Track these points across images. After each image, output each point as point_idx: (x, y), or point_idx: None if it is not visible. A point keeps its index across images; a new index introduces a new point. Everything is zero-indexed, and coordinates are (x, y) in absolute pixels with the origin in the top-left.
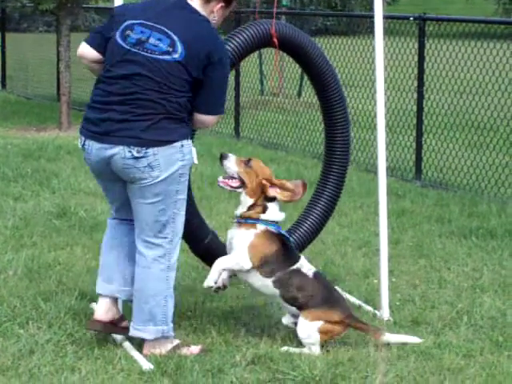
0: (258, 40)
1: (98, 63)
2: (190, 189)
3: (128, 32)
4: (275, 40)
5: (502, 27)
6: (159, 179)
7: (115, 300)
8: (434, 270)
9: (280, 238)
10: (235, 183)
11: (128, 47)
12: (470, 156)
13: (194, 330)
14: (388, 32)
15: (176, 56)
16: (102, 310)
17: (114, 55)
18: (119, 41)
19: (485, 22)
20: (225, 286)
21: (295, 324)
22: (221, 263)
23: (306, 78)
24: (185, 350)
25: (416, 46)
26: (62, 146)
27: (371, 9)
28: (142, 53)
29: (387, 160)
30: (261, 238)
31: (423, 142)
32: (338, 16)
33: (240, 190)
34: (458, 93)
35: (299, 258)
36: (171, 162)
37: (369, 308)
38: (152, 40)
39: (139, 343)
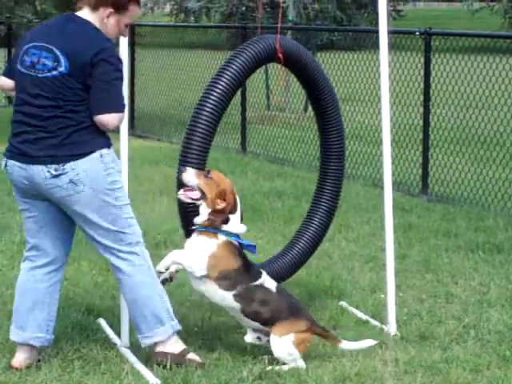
0: (264, 56)
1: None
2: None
3: (24, 57)
4: (280, 55)
5: (508, 41)
6: (87, 193)
7: (32, 346)
8: (440, 285)
9: (241, 252)
10: (195, 195)
11: (25, 71)
12: (476, 170)
13: (201, 345)
14: (394, 47)
15: (61, 69)
16: (21, 358)
17: (17, 82)
18: (18, 67)
19: (491, 36)
20: (171, 279)
21: (259, 339)
22: (176, 255)
23: None
24: (191, 356)
25: (422, 60)
26: None
27: (377, 24)
28: (35, 74)
29: (393, 175)
30: (224, 251)
31: (429, 157)
32: (343, 31)
33: (200, 201)
34: (464, 107)
35: (261, 272)
36: (94, 173)
37: (376, 323)
38: (42, 60)
39: (147, 358)
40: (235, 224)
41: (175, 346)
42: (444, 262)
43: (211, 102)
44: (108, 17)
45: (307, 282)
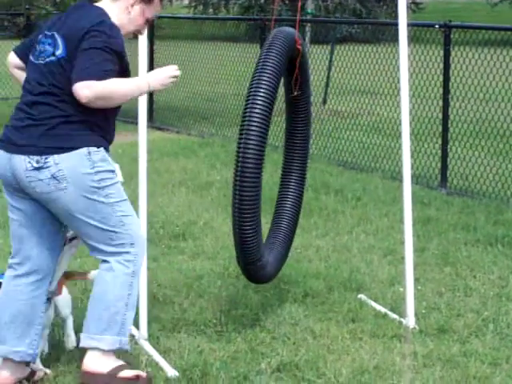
0: (292, 47)
1: (19, 69)
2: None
3: (36, 47)
4: (299, 47)
5: None
6: (71, 191)
7: (18, 362)
8: (459, 278)
9: None
10: None
11: (33, 61)
12: (495, 164)
13: (219, 337)
14: (413, 40)
15: (58, 53)
16: (4, 375)
17: (26, 72)
18: (31, 57)
19: (510, 29)
20: None
21: None
22: None
23: (331, 85)
24: (126, 373)
25: (441, 53)
26: None
27: (396, 16)
28: (38, 62)
29: (412, 168)
30: None
31: (448, 150)
32: (363, 24)
33: None
34: (484, 100)
35: None
36: (78, 171)
37: (395, 316)
38: (46, 47)
39: (165, 350)
40: None
41: (108, 363)
42: (463, 255)
43: (263, 94)
44: (133, 5)
45: (326, 275)
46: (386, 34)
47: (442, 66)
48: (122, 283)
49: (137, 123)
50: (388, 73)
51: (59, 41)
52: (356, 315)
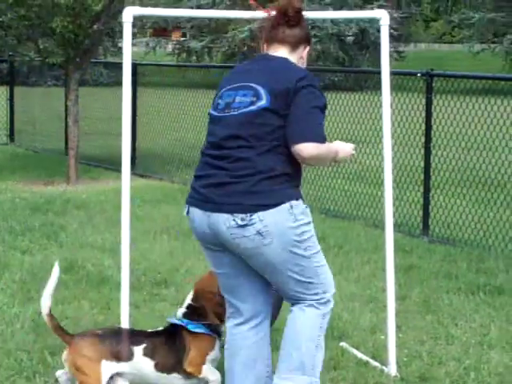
0: None
1: None
2: None
3: (218, 101)
4: None
5: (510, 83)
6: (275, 246)
7: None
8: (441, 326)
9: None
10: None
11: (218, 114)
12: (477, 212)
13: None
14: (395, 88)
15: (261, 103)
16: None
17: (209, 127)
18: (211, 112)
19: (492, 78)
20: None
21: None
22: None
23: None
24: None
25: (423, 101)
26: (69, 199)
27: (378, 64)
28: (229, 114)
29: (394, 215)
30: None
31: (430, 198)
32: (345, 72)
33: None
34: (466, 149)
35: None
36: (282, 226)
37: (376, 364)
38: (237, 98)
39: None
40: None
41: None
42: (444, 303)
43: None
44: (304, 53)
45: None
46: (368, 81)
47: (423, 114)
48: (312, 325)
49: (119, 170)
50: (370, 121)
51: (261, 92)
52: (338, 363)
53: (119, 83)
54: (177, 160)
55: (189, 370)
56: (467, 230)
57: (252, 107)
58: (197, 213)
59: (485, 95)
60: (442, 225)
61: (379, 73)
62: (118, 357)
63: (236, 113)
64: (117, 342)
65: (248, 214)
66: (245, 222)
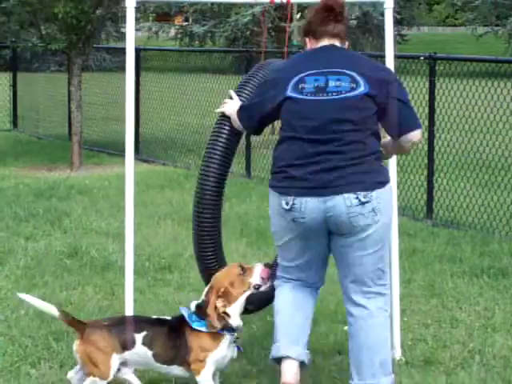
0: None
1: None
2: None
3: (301, 85)
4: None
5: None
6: (379, 224)
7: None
8: (445, 310)
9: None
10: None
11: (310, 98)
12: (481, 195)
13: None
14: (398, 71)
15: (361, 89)
16: (293, 373)
17: (296, 111)
18: (297, 96)
19: (495, 61)
20: None
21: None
22: None
23: None
24: None
25: (426, 84)
26: (73, 185)
27: (382, 48)
28: (328, 97)
29: (398, 199)
30: None
31: (434, 182)
32: None
33: None
34: (469, 132)
35: None
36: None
37: None
38: (332, 83)
39: (151, 382)
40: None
41: None
42: (449, 286)
43: (227, 128)
44: (346, 45)
45: None
46: None
47: (427, 97)
48: (384, 328)
49: (123, 155)
50: None
51: (359, 78)
52: (342, 347)
53: (122, 68)
54: (180, 145)
55: (192, 367)
56: (471, 214)
57: (355, 92)
58: (309, 202)
59: (488, 78)
60: (445, 208)
61: (382, 56)
62: (124, 346)
63: (337, 97)
64: (123, 331)
65: (369, 192)
66: (366, 199)
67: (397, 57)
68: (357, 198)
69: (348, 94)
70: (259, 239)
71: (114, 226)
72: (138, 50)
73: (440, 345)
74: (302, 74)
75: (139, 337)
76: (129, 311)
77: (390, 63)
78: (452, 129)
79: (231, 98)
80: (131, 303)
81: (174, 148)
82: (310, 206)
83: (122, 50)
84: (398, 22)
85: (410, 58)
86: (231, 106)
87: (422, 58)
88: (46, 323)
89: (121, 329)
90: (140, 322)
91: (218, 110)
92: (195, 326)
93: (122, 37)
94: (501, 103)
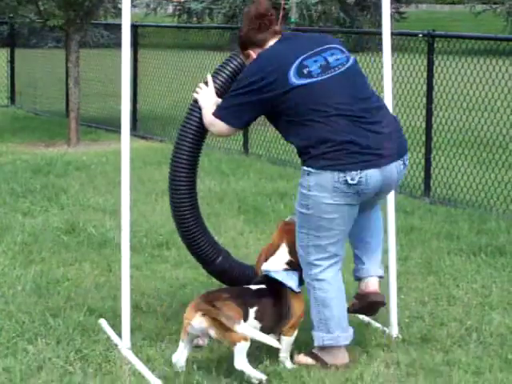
0: None
1: None
2: (198, 207)
3: (305, 70)
4: None
5: (511, 44)
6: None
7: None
8: (442, 287)
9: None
10: None
11: (322, 77)
12: (478, 173)
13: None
14: (397, 49)
15: (351, 57)
16: (347, 357)
17: (316, 94)
18: (308, 80)
19: (494, 38)
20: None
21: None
22: None
23: None
24: None
25: (425, 62)
26: (70, 161)
27: (380, 25)
28: (336, 72)
29: None
30: None
31: (432, 159)
32: (346, 33)
33: None
34: (467, 110)
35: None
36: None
37: (378, 325)
38: (330, 59)
39: (148, 359)
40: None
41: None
42: (446, 264)
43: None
44: None
45: None
46: (369, 42)
47: (425, 75)
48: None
49: (120, 132)
50: (372, 81)
51: (341, 47)
52: None
53: (120, 45)
54: (178, 122)
55: (288, 332)
56: (469, 191)
57: (350, 60)
58: (373, 174)
59: (486, 56)
60: (443, 186)
61: (380, 34)
62: (244, 319)
63: (344, 69)
64: (241, 304)
65: (407, 154)
66: (407, 162)
67: (395, 34)
68: (403, 162)
69: (349, 64)
70: (257, 216)
71: (111, 203)
72: (135, 27)
73: (437, 322)
74: (298, 60)
75: (252, 311)
76: (125, 288)
77: (386, 40)
78: (450, 106)
79: (207, 83)
80: (128, 280)
81: (172, 125)
82: (374, 177)
83: (120, 27)
84: (396, 0)
85: (408, 36)
86: (206, 97)
87: (420, 35)
88: (43, 299)
89: (239, 302)
90: (249, 295)
91: (194, 96)
92: (299, 289)
93: (119, 13)
94: (499, 81)
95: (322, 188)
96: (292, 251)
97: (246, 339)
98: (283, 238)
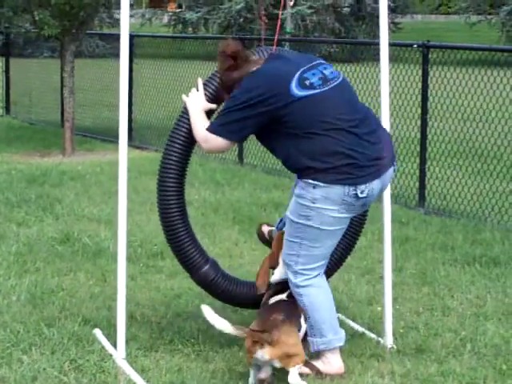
0: None
1: None
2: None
3: (307, 82)
4: None
5: (506, 55)
6: None
7: None
8: (437, 298)
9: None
10: None
11: (324, 89)
12: (473, 183)
13: (197, 356)
14: (392, 59)
15: (340, 77)
16: (342, 361)
17: (320, 106)
18: (311, 92)
19: (488, 49)
20: None
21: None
22: None
23: None
24: None
25: (419, 73)
26: (65, 171)
27: (375, 36)
28: (334, 84)
29: (391, 187)
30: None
31: (427, 170)
32: (341, 43)
33: None
34: (462, 120)
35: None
36: None
37: (372, 335)
38: (326, 72)
39: (142, 369)
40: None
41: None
42: (441, 274)
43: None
44: None
45: None
46: (364, 53)
47: (420, 85)
48: None
49: (115, 142)
50: (367, 92)
51: (329, 66)
52: None
53: (115, 55)
54: None
55: None
56: (463, 202)
57: (342, 74)
58: (376, 184)
59: (481, 66)
60: (438, 196)
61: (375, 44)
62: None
63: (338, 82)
64: (293, 322)
65: (395, 160)
66: (396, 164)
67: (390, 45)
68: (394, 168)
69: (341, 77)
70: (251, 226)
71: (105, 213)
72: (131, 37)
73: (432, 333)
74: (299, 72)
75: (302, 320)
76: (121, 298)
77: (384, 51)
78: (445, 117)
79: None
80: (123, 290)
81: (167, 135)
82: (377, 187)
83: (115, 37)
84: (391, 10)
85: (403, 46)
86: (194, 101)
87: (415, 46)
88: (38, 309)
89: (293, 321)
90: (294, 307)
91: (183, 99)
92: None
93: (115, 23)
94: (493, 91)
95: (330, 201)
96: None
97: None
98: (282, 245)
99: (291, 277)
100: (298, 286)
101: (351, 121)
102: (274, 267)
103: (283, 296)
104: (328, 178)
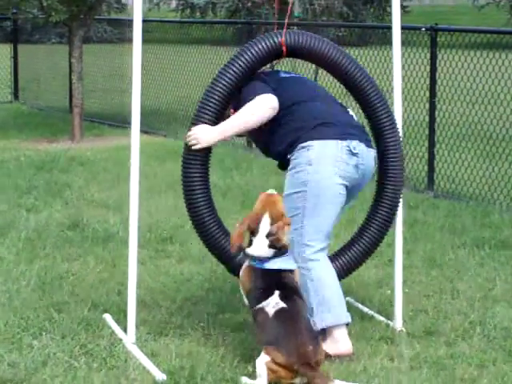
0: (270, 52)
1: None
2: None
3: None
4: (284, 49)
5: None
6: None
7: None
8: (446, 281)
9: (258, 275)
10: None
11: (298, 75)
12: (482, 166)
13: (207, 341)
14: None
15: None
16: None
17: (294, 84)
18: (289, 75)
19: (497, 32)
20: None
21: None
22: None
23: None
24: None
25: (428, 56)
26: (74, 157)
27: (383, 19)
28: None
29: None
30: (242, 275)
31: (435, 153)
32: (350, 27)
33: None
34: (470, 103)
35: (271, 294)
36: None
37: (382, 318)
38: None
39: (152, 354)
40: (255, 247)
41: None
42: (450, 257)
43: (216, 94)
44: None
45: None
46: (373, 36)
47: (428, 68)
48: None
49: (124, 127)
50: (375, 75)
51: None
52: None
53: (123, 40)
54: (181, 117)
55: None
56: (472, 185)
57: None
58: (364, 149)
59: (489, 49)
60: (446, 179)
61: (384, 27)
62: None
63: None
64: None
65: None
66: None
67: None
68: (374, 152)
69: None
70: None
71: (114, 198)
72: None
73: (441, 316)
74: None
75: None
76: (131, 282)
77: (396, 35)
78: (453, 100)
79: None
80: (134, 274)
81: (176, 120)
82: (366, 152)
83: (123, 22)
84: None
85: (411, 30)
86: (204, 131)
87: (423, 29)
88: (48, 294)
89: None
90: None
91: (191, 142)
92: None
93: (123, 8)
94: (502, 74)
95: (324, 160)
96: (274, 223)
97: None
98: (266, 208)
99: (299, 251)
100: (306, 260)
101: (318, 96)
102: (252, 231)
103: (278, 300)
104: (319, 135)
